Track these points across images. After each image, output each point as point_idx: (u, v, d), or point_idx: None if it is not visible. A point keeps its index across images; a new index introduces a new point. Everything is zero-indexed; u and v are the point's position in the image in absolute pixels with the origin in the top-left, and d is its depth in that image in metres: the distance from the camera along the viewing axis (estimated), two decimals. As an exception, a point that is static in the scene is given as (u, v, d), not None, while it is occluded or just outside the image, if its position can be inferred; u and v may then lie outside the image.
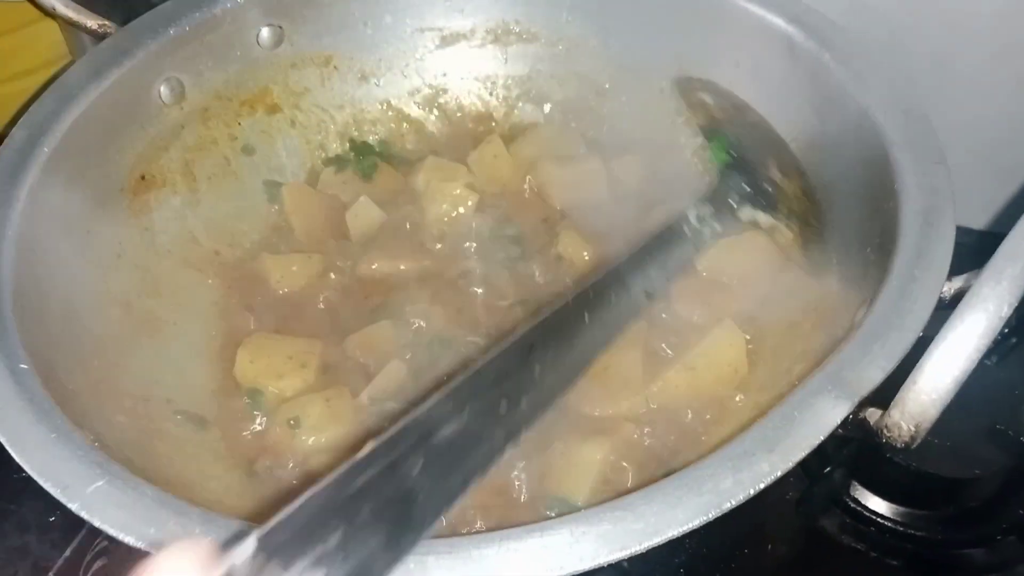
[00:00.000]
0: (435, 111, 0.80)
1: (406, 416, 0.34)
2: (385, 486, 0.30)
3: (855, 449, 0.62)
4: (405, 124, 0.80)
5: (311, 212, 0.74)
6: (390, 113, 0.80)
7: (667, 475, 0.39)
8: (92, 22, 0.69)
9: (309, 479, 0.30)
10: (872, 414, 0.40)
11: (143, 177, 0.66)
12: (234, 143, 0.73)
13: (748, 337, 0.61)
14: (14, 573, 0.64)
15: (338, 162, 0.77)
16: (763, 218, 0.60)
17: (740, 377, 0.59)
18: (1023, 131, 0.75)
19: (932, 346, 0.38)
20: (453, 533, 0.42)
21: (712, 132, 0.68)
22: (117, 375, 0.56)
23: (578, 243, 0.69)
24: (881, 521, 0.63)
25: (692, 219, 0.56)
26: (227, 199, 0.72)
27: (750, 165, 0.61)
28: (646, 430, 0.58)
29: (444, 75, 0.79)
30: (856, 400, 0.41)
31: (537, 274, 0.68)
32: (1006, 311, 0.38)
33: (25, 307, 0.50)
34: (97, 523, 0.39)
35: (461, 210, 0.72)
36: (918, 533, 0.62)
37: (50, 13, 0.72)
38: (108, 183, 0.63)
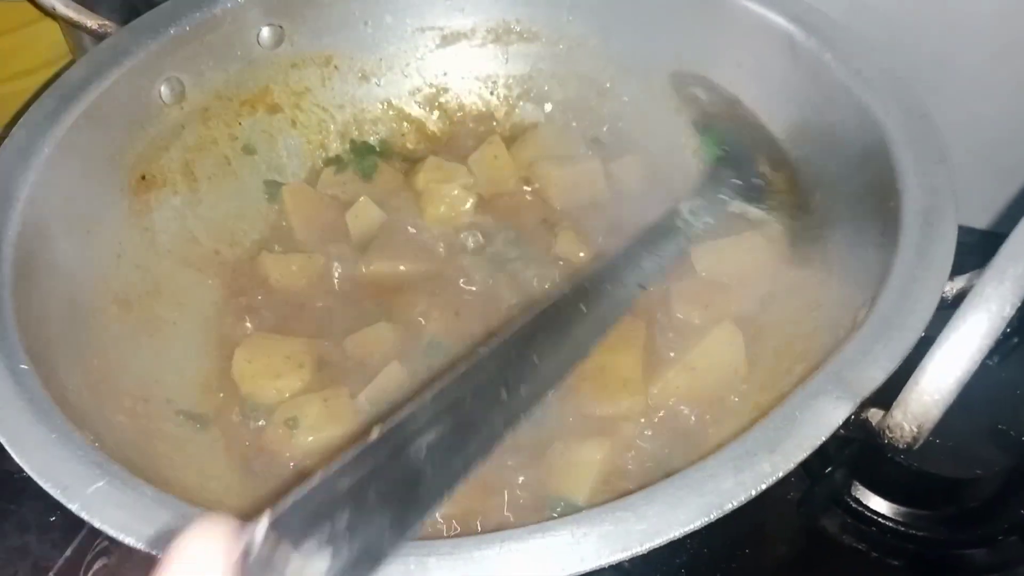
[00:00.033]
0: (436, 111, 0.80)
1: (411, 402, 0.35)
2: (391, 470, 0.32)
3: (856, 449, 0.62)
4: (406, 124, 0.80)
5: (311, 212, 0.74)
6: (391, 113, 0.80)
7: (668, 475, 0.39)
8: (92, 22, 0.69)
9: (308, 479, 0.31)
10: (874, 414, 0.40)
11: (143, 177, 0.66)
12: (234, 143, 0.73)
13: (748, 337, 0.60)
14: (14, 573, 0.64)
15: (338, 162, 0.77)
16: (752, 211, 0.61)
17: (740, 378, 0.59)
18: (1024, 131, 0.75)
19: (934, 346, 0.38)
20: (454, 533, 0.42)
21: (704, 126, 0.69)
22: (117, 375, 0.56)
23: (575, 244, 0.69)
24: (882, 521, 0.63)
25: (684, 212, 0.57)
26: (227, 199, 0.72)
27: (740, 159, 0.62)
28: (647, 430, 0.58)
29: (445, 74, 0.79)
30: (858, 400, 0.41)
31: (535, 276, 0.68)
32: (1009, 311, 0.38)
33: (25, 307, 0.50)
34: (97, 523, 0.39)
35: (459, 211, 0.72)
36: (919, 533, 0.62)
37: (50, 13, 0.72)
38: (108, 183, 0.63)
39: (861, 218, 0.55)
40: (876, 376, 0.42)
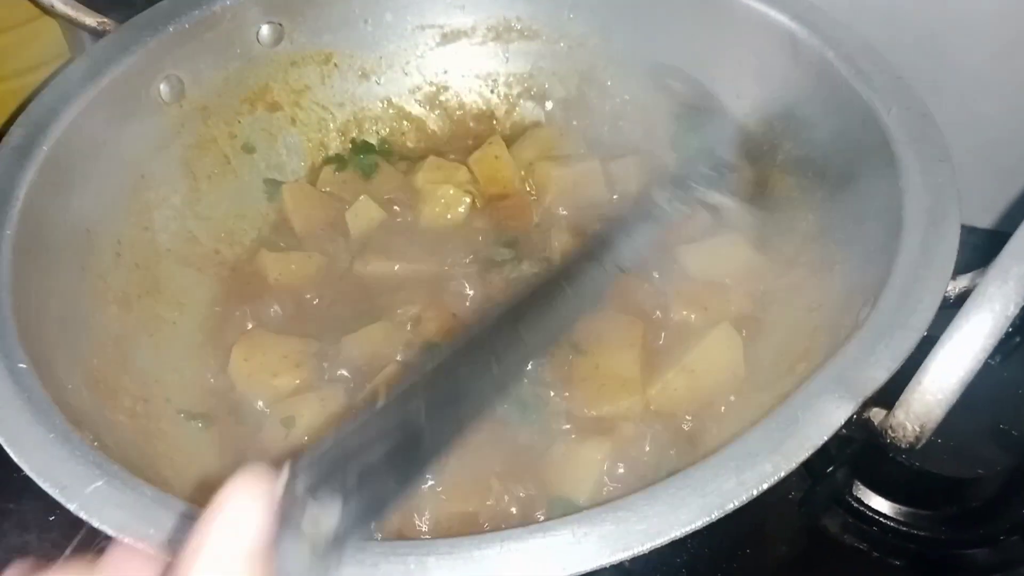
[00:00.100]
0: (436, 109, 0.80)
1: (414, 373, 0.39)
2: (395, 431, 0.35)
3: (858, 448, 0.62)
4: (406, 122, 0.80)
5: (311, 211, 0.74)
6: (391, 111, 0.79)
7: (669, 475, 0.39)
8: (91, 19, 0.69)
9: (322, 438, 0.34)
10: (876, 414, 0.40)
11: (143, 176, 0.66)
12: (234, 141, 0.73)
13: (748, 337, 0.60)
14: (14, 573, 0.63)
15: (338, 161, 0.77)
16: (723, 201, 0.62)
17: (739, 379, 0.59)
18: (1027, 129, 0.75)
19: (937, 346, 0.38)
20: (454, 533, 0.42)
21: (678, 117, 0.71)
22: (116, 374, 0.56)
23: (572, 245, 0.68)
24: (884, 521, 0.63)
25: (657, 199, 0.59)
26: (227, 198, 0.72)
27: (713, 150, 0.64)
28: (647, 430, 0.58)
29: (445, 73, 0.79)
30: (860, 400, 0.40)
31: (533, 276, 0.67)
32: (1012, 310, 0.37)
33: (24, 306, 0.50)
34: (96, 523, 0.39)
35: (456, 211, 0.72)
36: (921, 533, 0.62)
37: (49, 11, 0.72)
38: (107, 182, 0.63)
39: (863, 217, 0.55)
40: (878, 376, 0.41)
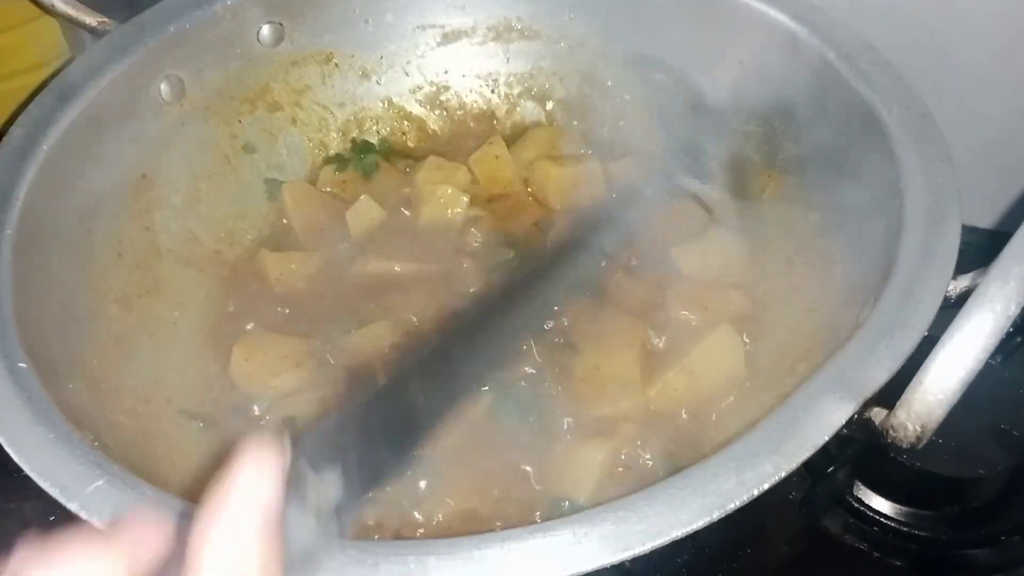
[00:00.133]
0: (437, 109, 0.80)
1: (409, 353, 0.43)
2: (394, 410, 0.38)
3: (858, 449, 0.62)
4: (406, 122, 0.80)
5: (311, 211, 0.74)
6: (391, 111, 0.79)
7: (670, 475, 0.38)
8: (91, 19, 0.69)
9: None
10: (877, 414, 0.40)
11: (143, 176, 0.66)
12: (235, 141, 0.73)
13: (748, 338, 0.60)
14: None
15: (339, 160, 0.77)
16: (705, 189, 0.65)
17: (739, 381, 0.59)
18: (1027, 129, 0.74)
19: (938, 346, 0.38)
20: (455, 533, 0.42)
21: (662, 108, 0.73)
22: (117, 375, 0.56)
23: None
24: (884, 521, 0.63)
25: (641, 188, 0.61)
26: (228, 198, 0.72)
27: (695, 141, 0.66)
28: (647, 431, 0.58)
29: (446, 73, 0.79)
30: (861, 400, 0.40)
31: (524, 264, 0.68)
32: (1013, 310, 0.37)
33: (24, 306, 0.50)
34: (96, 523, 0.39)
35: (455, 211, 0.72)
36: (922, 533, 0.62)
37: (49, 10, 0.72)
38: (108, 182, 0.63)
39: (863, 217, 0.55)
40: (879, 376, 0.41)
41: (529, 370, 0.60)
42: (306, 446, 0.31)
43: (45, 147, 0.57)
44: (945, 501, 0.63)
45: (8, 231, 0.53)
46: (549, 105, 0.80)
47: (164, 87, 0.67)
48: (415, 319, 0.65)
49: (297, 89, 0.75)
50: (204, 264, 0.69)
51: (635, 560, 0.36)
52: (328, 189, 0.75)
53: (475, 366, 0.43)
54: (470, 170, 0.75)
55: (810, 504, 0.64)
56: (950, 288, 0.46)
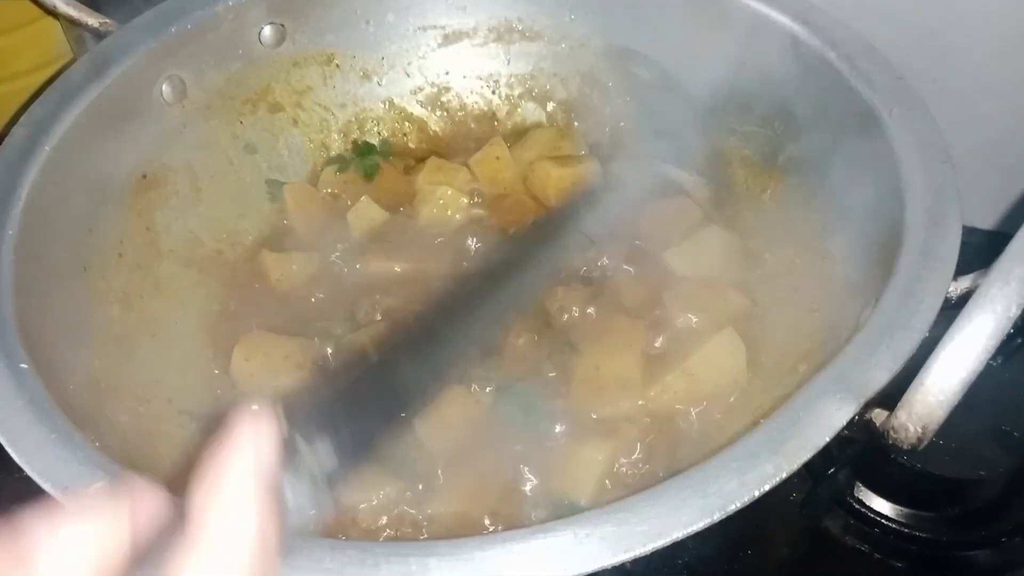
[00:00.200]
0: (438, 110, 0.80)
1: (398, 329, 0.45)
2: (384, 383, 0.40)
3: (859, 450, 0.62)
4: (407, 123, 0.80)
5: (312, 211, 0.74)
6: (392, 112, 0.79)
7: (671, 476, 0.38)
8: (93, 20, 0.69)
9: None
10: (878, 415, 0.40)
11: (145, 176, 0.66)
12: (236, 142, 0.73)
13: (749, 339, 0.60)
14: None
15: (340, 161, 0.77)
16: (681, 175, 0.66)
17: (740, 385, 0.59)
18: (1028, 130, 0.74)
19: (939, 347, 0.38)
20: (456, 534, 0.42)
21: (640, 99, 0.74)
22: (118, 375, 0.56)
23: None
24: (885, 522, 0.63)
25: (619, 173, 0.64)
26: (229, 198, 0.72)
27: (671, 129, 0.68)
28: (648, 431, 0.58)
29: (447, 74, 0.79)
30: (862, 401, 0.40)
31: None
32: (1014, 312, 0.37)
33: (26, 307, 0.50)
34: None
35: (456, 212, 0.72)
36: (922, 534, 0.62)
37: (51, 11, 0.72)
38: (109, 182, 0.63)
39: (864, 218, 0.55)
40: (880, 377, 0.41)
41: (529, 371, 0.60)
42: (298, 418, 0.32)
43: (47, 147, 0.57)
44: (946, 502, 0.63)
45: (10, 231, 0.53)
46: (550, 106, 0.80)
47: (166, 88, 0.67)
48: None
49: (298, 90, 0.75)
50: (205, 264, 0.69)
51: (636, 561, 0.36)
52: (329, 190, 0.75)
53: (461, 342, 0.45)
54: (471, 171, 0.75)
55: (811, 505, 0.64)
56: (951, 289, 0.46)
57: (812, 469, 0.63)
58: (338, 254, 0.70)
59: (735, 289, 0.64)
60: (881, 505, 0.63)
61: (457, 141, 0.79)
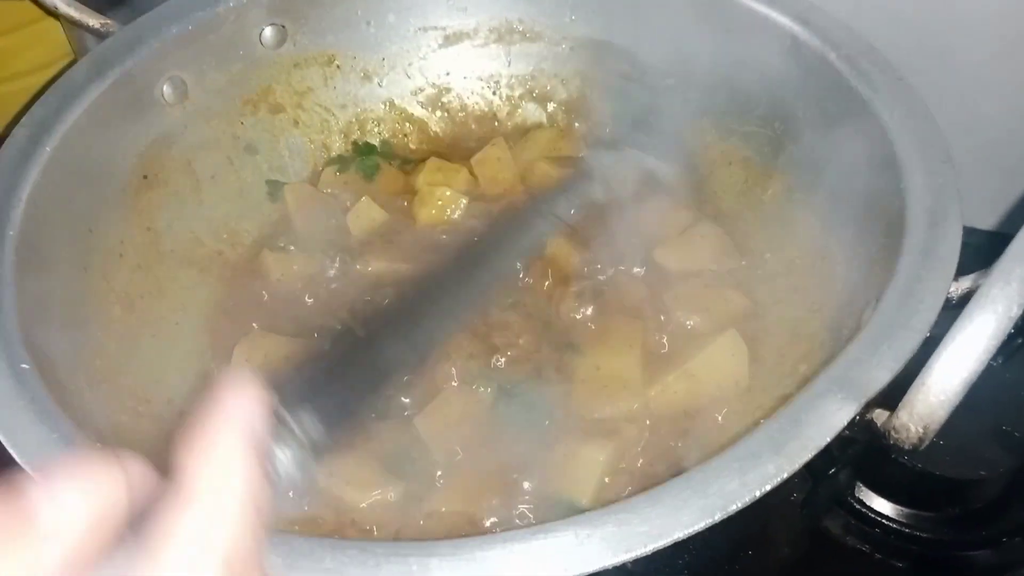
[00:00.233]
0: (438, 111, 0.80)
1: (384, 311, 0.48)
2: (369, 356, 0.42)
3: (860, 450, 0.62)
4: (408, 124, 0.80)
5: (313, 212, 0.74)
6: (393, 113, 0.79)
7: (672, 477, 0.38)
8: (94, 21, 0.69)
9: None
10: (879, 415, 0.40)
11: (145, 177, 0.66)
12: (236, 142, 0.73)
13: (749, 339, 0.60)
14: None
15: (340, 162, 0.77)
16: (655, 163, 0.67)
17: (741, 387, 0.59)
18: (1029, 130, 0.74)
19: (940, 347, 0.38)
20: (456, 534, 0.42)
21: (616, 89, 0.76)
22: (119, 375, 0.56)
23: (566, 247, 0.68)
24: (886, 522, 0.63)
25: (594, 161, 0.65)
26: (229, 199, 0.72)
27: (647, 119, 0.69)
28: (649, 432, 0.58)
29: (447, 74, 0.79)
30: (863, 401, 0.40)
31: (527, 278, 0.67)
32: (1015, 312, 0.37)
33: (27, 307, 0.50)
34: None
35: (456, 212, 0.72)
36: (923, 534, 0.62)
37: (52, 12, 0.72)
38: (110, 183, 0.63)
39: (864, 218, 0.55)
40: (881, 377, 0.41)
41: (530, 371, 0.60)
42: (284, 390, 0.32)
43: (48, 148, 0.57)
44: (946, 502, 0.63)
45: (11, 232, 0.53)
46: (550, 107, 0.80)
47: (167, 88, 0.67)
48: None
49: (299, 91, 0.75)
50: (206, 265, 0.69)
51: (637, 561, 0.36)
52: (329, 190, 0.75)
53: (442, 318, 0.48)
54: (471, 171, 0.75)
55: (812, 505, 0.64)
56: (951, 289, 0.46)
57: (813, 469, 0.63)
58: (338, 254, 0.70)
59: (735, 289, 0.64)
60: (882, 505, 0.63)
61: (458, 142, 0.79)
